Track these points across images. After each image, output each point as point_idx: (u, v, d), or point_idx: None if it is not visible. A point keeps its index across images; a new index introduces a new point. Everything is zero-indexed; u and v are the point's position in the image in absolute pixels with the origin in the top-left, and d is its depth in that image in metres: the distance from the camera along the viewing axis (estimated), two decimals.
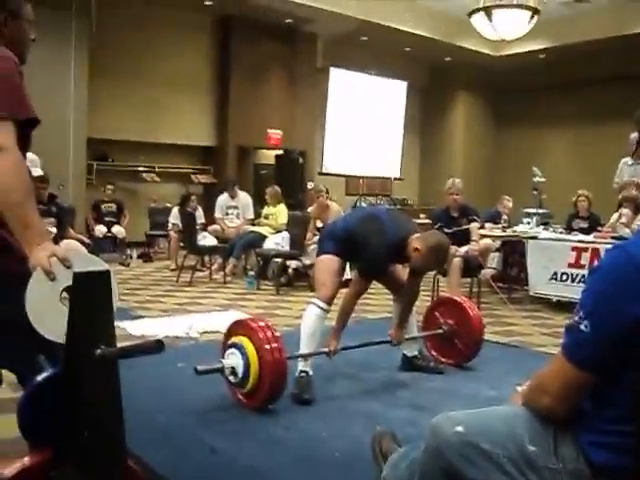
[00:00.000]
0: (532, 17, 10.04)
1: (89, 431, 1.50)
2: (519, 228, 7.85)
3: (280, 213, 8.88)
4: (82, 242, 6.72)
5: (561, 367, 1.49)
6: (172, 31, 11.65)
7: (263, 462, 2.81)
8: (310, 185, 10.54)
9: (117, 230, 10.03)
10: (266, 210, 9.13)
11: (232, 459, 2.83)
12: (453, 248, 6.09)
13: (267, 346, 3.29)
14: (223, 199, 9.49)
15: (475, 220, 6.77)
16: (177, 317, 5.96)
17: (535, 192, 8.11)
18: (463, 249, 6.54)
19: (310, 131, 13.36)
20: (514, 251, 8.01)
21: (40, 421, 1.59)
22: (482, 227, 7.22)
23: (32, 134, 1.91)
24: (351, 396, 3.75)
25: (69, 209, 8.22)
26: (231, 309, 6.36)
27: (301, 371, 3.71)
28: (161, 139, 11.68)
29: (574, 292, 6.34)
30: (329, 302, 3.80)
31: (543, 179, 8.14)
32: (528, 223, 7.86)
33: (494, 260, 7.87)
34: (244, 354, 3.33)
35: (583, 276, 6.53)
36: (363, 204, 13.15)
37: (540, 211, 7.97)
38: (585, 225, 7.96)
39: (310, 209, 9.00)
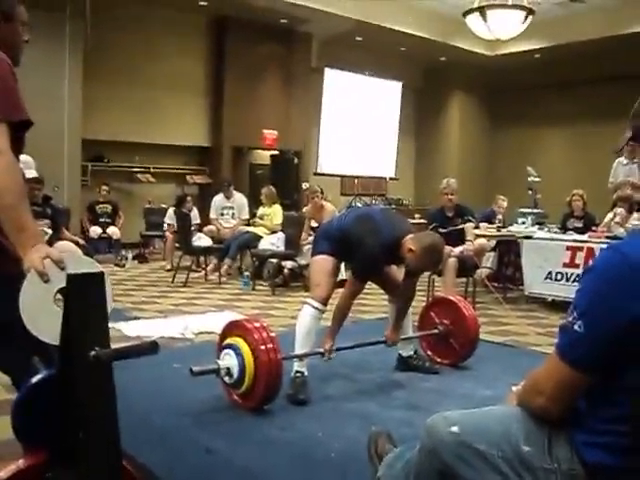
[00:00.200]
0: (527, 17, 10.06)
1: (84, 432, 1.49)
2: (514, 228, 7.86)
3: (275, 214, 8.89)
4: (77, 243, 6.69)
5: (555, 367, 1.49)
6: (167, 32, 11.63)
7: (258, 463, 2.81)
8: (305, 185, 10.54)
9: (112, 231, 10.02)
10: (261, 210, 9.13)
11: (227, 460, 2.83)
12: (448, 248, 6.11)
13: (262, 347, 3.30)
14: (218, 200, 9.48)
15: (470, 220, 6.79)
16: (172, 318, 5.96)
17: (530, 192, 8.13)
18: (458, 249, 6.55)
19: (305, 131, 13.36)
20: (509, 251, 8.02)
21: (35, 423, 1.58)
22: (477, 227, 7.23)
23: (26, 136, 1.91)
24: (346, 396, 3.76)
25: (64, 210, 8.20)
26: (226, 310, 6.36)
27: (296, 372, 3.71)
28: (156, 140, 11.67)
29: (569, 292, 6.34)
30: (324, 302, 3.80)
31: (538, 179, 8.16)
32: (523, 223, 7.88)
33: (489, 260, 7.87)
34: (239, 355, 3.33)
35: (578, 275, 6.54)
36: (358, 204, 13.15)
37: (535, 211, 7.99)
38: (580, 225, 7.97)
39: (305, 209, 9.00)
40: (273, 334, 3.42)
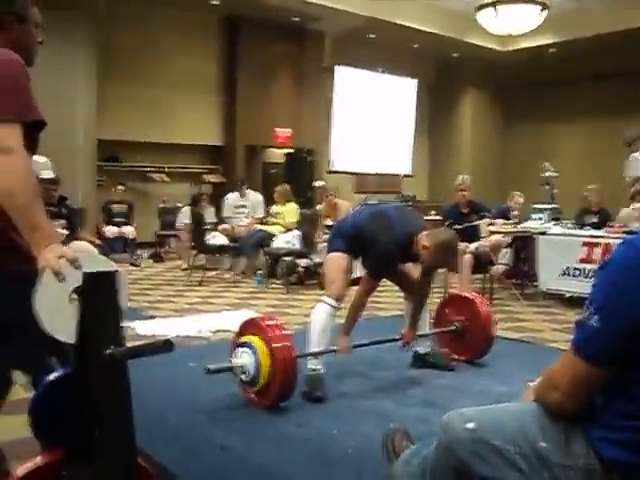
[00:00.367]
0: (542, 11, 10.01)
1: (99, 430, 1.50)
2: (529, 224, 7.82)
3: (289, 212, 8.88)
4: (93, 243, 6.71)
5: (571, 362, 1.48)
6: (180, 31, 11.66)
7: (274, 460, 2.81)
8: (317, 184, 10.53)
9: (127, 230, 10.05)
10: (275, 209, 9.13)
11: (243, 457, 2.84)
12: (464, 244, 6.09)
13: (278, 344, 3.30)
14: (232, 198, 9.49)
15: (485, 216, 6.76)
16: (188, 317, 5.98)
17: (547, 187, 8.09)
18: (473, 245, 6.53)
19: (318, 129, 13.36)
20: (525, 247, 7.98)
21: (51, 421, 1.59)
22: (492, 223, 7.20)
23: (39, 136, 1.91)
24: (362, 394, 3.75)
25: (79, 210, 8.24)
26: (242, 308, 6.37)
27: (312, 369, 3.70)
28: (170, 139, 11.70)
29: (586, 287, 6.29)
30: (339, 299, 3.80)
31: (555, 173, 8.10)
32: (540, 219, 7.83)
33: (505, 256, 7.84)
34: (255, 353, 3.34)
35: (594, 271, 6.49)
36: (372, 201, 13.11)
37: (550, 206, 7.94)
38: (595, 220, 7.92)
39: (319, 207, 9.00)
40: (288, 332, 3.42)
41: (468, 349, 4.34)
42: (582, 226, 7.73)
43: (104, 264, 1.67)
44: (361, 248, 3.79)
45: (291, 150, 12.80)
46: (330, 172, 13.74)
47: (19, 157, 1.70)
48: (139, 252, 10.14)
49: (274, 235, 8.61)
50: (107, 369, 1.49)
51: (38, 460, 1.59)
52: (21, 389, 2.22)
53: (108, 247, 8.62)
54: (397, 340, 4.06)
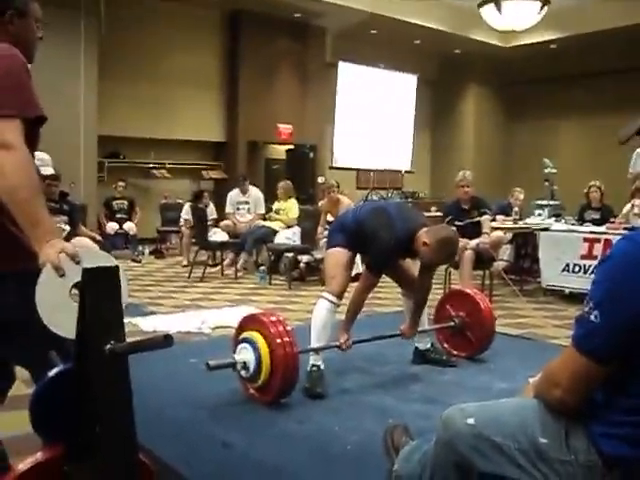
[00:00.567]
0: (542, 7, 10.00)
1: (100, 426, 1.50)
2: (531, 220, 7.82)
3: (291, 208, 8.88)
4: (94, 239, 6.73)
5: (571, 358, 1.48)
6: (181, 27, 11.65)
7: (275, 456, 2.82)
8: (321, 180, 10.53)
9: (129, 227, 10.06)
10: (277, 205, 9.13)
11: (244, 453, 2.84)
12: (464, 241, 6.09)
13: (279, 340, 3.30)
14: (234, 194, 9.50)
15: (486, 212, 6.75)
16: (189, 313, 5.98)
17: (546, 183, 8.09)
18: (474, 242, 6.52)
19: (320, 125, 13.35)
20: (526, 243, 7.98)
21: (52, 416, 1.60)
22: (493, 219, 7.19)
23: (41, 132, 1.91)
24: (363, 390, 3.76)
25: (80, 207, 8.25)
26: (243, 304, 6.37)
27: (313, 365, 3.71)
28: (171, 135, 11.70)
29: (586, 284, 6.22)
30: (339, 296, 3.80)
31: (554, 170, 8.10)
32: (540, 215, 7.83)
33: (506, 252, 7.84)
34: (256, 349, 3.34)
35: (595, 268, 6.50)
36: (374, 197, 13.13)
37: (552, 203, 7.94)
38: (597, 216, 7.92)
39: (321, 203, 9.00)
40: (289, 328, 3.42)
41: (468, 345, 4.34)
42: (583, 222, 7.74)
43: (104, 259, 1.67)
44: (362, 244, 3.79)
45: (293, 146, 12.80)
46: (332, 168, 13.74)
47: (20, 152, 1.70)
48: (140, 248, 10.14)
49: (277, 231, 8.62)
50: (107, 364, 1.49)
51: (39, 456, 1.59)
52: (22, 385, 2.22)
53: (109, 243, 8.64)
54: (397, 336, 4.07)
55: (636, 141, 1.64)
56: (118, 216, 10.19)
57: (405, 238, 3.67)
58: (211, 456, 2.82)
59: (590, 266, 6.60)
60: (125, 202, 10.37)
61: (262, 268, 8.19)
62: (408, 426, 2.49)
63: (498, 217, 7.70)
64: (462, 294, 4.52)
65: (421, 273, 3.95)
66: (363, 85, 14.38)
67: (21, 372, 2.02)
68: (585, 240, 6.80)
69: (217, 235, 8.83)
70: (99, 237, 7.53)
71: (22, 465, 1.56)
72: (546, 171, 8.03)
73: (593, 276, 1.51)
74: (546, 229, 7.31)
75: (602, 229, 6.99)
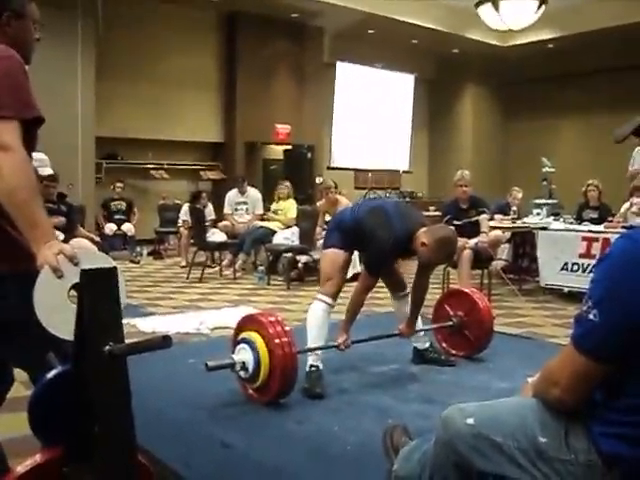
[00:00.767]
0: (540, 7, 10.00)
1: (99, 427, 1.50)
2: (529, 219, 7.82)
3: (289, 208, 8.89)
4: (92, 240, 6.73)
5: (570, 357, 1.48)
6: (178, 28, 11.66)
7: (274, 456, 2.81)
8: (319, 180, 10.53)
9: (127, 228, 10.06)
10: (275, 205, 9.13)
11: (243, 454, 2.84)
12: (463, 240, 6.08)
13: (277, 340, 3.30)
14: (232, 195, 9.50)
15: (484, 212, 6.75)
16: (188, 313, 5.98)
17: (544, 182, 8.09)
18: (473, 241, 6.52)
19: (318, 125, 13.35)
20: (524, 242, 7.98)
21: (51, 418, 1.59)
22: (491, 219, 7.19)
23: (38, 133, 1.91)
24: (362, 390, 3.75)
25: (78, 208, 8.25)
26: (242, 305, 6.37)
27: (311, 365, 3.71)
28: (169, 136, 11.70)
29: (585, 282, 6.24)
30: (334, 297, 3.81)
31: (552, 169, 8.11)
32: (538, 214, 7.84)
33: (504, 252, 7.84)
34: (254, 349, 3.33)
35: (594, 266, 6.49)
36: (372, 197, 13.13)
37: (550, 202, 7.95)
38: (595, 215, 7.92)
39: (319, 204, 9.00)
40: (288, 328, 3.41)
41: (467, 344, 4.34)
42: (581, 221, 7.74)
43: (103, 261, 1.66)
44: (359, 243, 3.79)
45: (291, 146, 12.80)
46: (330, 168, 13.74)
47: (18, 154, 1.70)
48: (138, 249, 10.14)
49: (275, 232, 8.62)
50: (106, 366, 1.49)
51: (38, 457, 1.58)
52: (21, 386, 2.22)
53: (107, 244, 8.65)
54: (396, 335, 4.07)
55: (633, 140, 1.64)
56: (116, 217, 10.19)
57: (404, 238, 3.66)
58: (210, 457, 2.81)
59: (588, 265, 6.60)
60: (123, 203, 10.36)
61: (260, 268, 8.19)
62: (407, 426, 2.49)
63: (496, 216, 7.70)
64: (460, 293, 4.52)
65: (419, 272, 3.94)
66: (361, 85, 14.39)
67: (20, 374, 2.02)
68: (583, 239, 6.80)
69: (215, 236, 8.83)
70: (97, 238, 7.54)
71: (21, 467, 1.56)
72: (544, 170, 8.04)
73: (592, 275, 1.51)
74: (544, 228, 7.31)
75: (600, 228, 6.99)
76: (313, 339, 3.73)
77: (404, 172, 15.43)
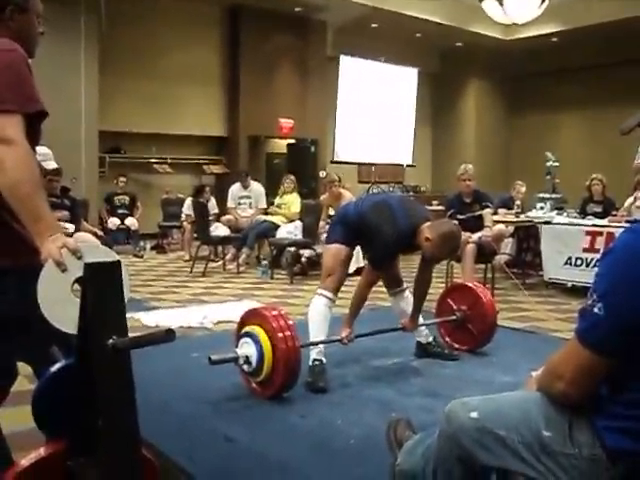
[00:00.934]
0: (544, 0, 9.96)
1: (103, 421, 1.50)
2: (533, 213, 7.81)
3: (292, 202, 8.89)
4: (95, 234, 6.74)
5: (575, 351, 1.47)
6: (182, 22, 11.65)
7: (278, 450, 2.82)
8: (322, 174, 10.53)
9: (130, 222, 10.06)
10: (278, 199, 9.13)
11: (247, 447, 2.84)
12: (466, 234, 6.08)
13: (280, 334, 3.29)
14: (236, 189, 9.49)
15: (488, 206, 6.74)
16: (191, 308, 5.99)
17: (548, 176, 8.07)
18: (476, 235, 6.51)
19: (322, 119, 13.34)
20: (528, 236, 7.97)
21: (54, 412, 1.60)
22: (495, 213, 7.18)
23: (42, 127, 1.91)
24: (365, 383, 3.75)
25: (82, 202, 8.25)
26: (245, 299, 6.37)
27: (315, 359, 3.71)
28: (173, 130, 11.70)
29: (589, 277, 6.29)
30: (335, 292, 3.81)
31: (556, 163, 8.08)
32: (542, 208, 7.82)
33: (508, 246, 7.83)
34: (258, 343, 3.33)
35: (598, 260, 6.48)
36: (375, 191, 13.12)
37: (554, 196, 7.92)
38: (599, 209, 7.90)
39: (322, 197, 9.00)
40: (291, 322, 3.41)
41: (470, 338, 4.33)
42: (585, 215, 7.72)
43: (106, 255, 1.66)
44: (363, 238, 3.79)
45: (294, 140, 12.78)
46: (333, 162, 13.73)
47: (21, 148, 1.70)
48: (142, 243, 10.15)
49: (278, 226, 8.62)
50: (110, 360, 1.49)
51: (42, 451, 1.59)
52: (25, 380, 2.23)
53: (111, 238, 8.65)
54: (399, 329, 4.07)
55: (638, 132, 1.64)
56: (119, 211, 10.19)
57: (408, 232, 3.65)
58: (214, 450, 2.82)
59: (592, 259, 6.59)
60: (126, 197, 10.37)
61: (264, 263, 8.19)
62: (411, 420, 2.49)
63: (500, 210, 7.69)
64: (464, 287, 4.51)
65: (422, 267, 3.94)
66: (364, 79, 14.35)
67: (24, 368, 2.02)
68: (587, 233, 6.79)
69: (219, 230, 8.84)
70: (101, 232, 7.55)
71: (25, 461, 1.56)
72: (548, 164, 8.01)
73: (596, 269, 1.50)
74: (548, 222, 7.30)
75: (604, 222, 6.98)
76: (314, 334, 3.73)
77: (407, 166, 15.41)
